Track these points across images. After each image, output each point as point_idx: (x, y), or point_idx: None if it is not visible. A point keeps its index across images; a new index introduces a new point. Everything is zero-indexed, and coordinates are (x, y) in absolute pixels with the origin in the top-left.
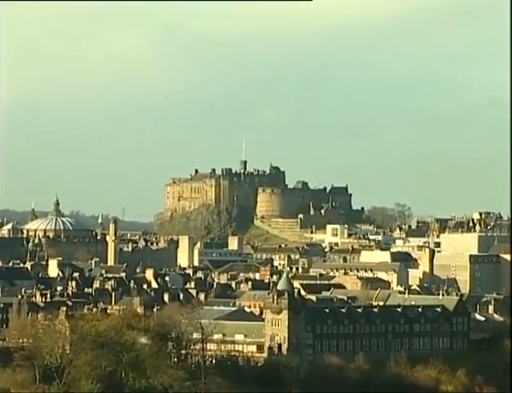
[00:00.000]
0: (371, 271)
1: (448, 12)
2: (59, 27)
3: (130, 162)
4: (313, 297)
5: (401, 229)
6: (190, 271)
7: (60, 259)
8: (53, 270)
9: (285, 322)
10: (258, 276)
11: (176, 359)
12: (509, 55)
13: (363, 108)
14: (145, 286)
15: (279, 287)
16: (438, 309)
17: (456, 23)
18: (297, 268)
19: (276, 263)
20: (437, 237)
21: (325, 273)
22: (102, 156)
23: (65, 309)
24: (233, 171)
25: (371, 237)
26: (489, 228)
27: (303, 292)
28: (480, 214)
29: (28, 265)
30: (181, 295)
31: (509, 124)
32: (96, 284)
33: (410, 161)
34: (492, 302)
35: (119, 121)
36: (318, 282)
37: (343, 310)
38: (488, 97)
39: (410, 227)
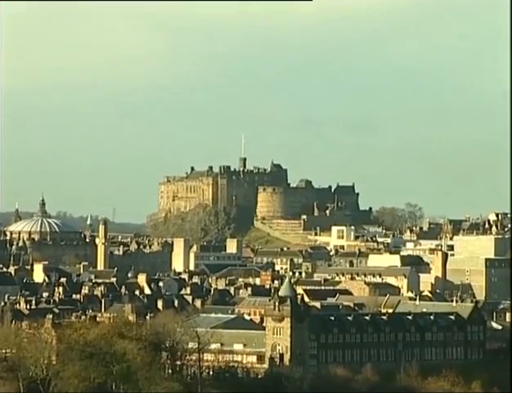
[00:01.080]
0: (380, 276)
1: (458, 3)
2: (49, 22)
3: (121, 159)
4: (317, 304)
5: (411, 231)
6: (185, 276)
7: (46, 263)
8: (38, 275)
9: (288, 331)
10: (258, 281)
11: (170, 371)
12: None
13: (371, 103)
14: (137, 293)
15: (281, 293)
16: (452, 317)
17: (466, 14)
18: (300, 273)
19: (277, 267)
20: (451, 239)
21: (330, 278)
22: (91, 153)
23: (51, 316)
24: (232, 169)
25: (380, 240)
26: (506, 229)
27: (306, 299)
28: (497, 215)
29: (11, 270)
30: (176, 302)
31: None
32: (85, 290)
33: (422, 158)
34: (510, 309)
35: (109, 116)
36: (323, 287)
37: (350, 318)
38: (504, 91)
39: (421, 228)
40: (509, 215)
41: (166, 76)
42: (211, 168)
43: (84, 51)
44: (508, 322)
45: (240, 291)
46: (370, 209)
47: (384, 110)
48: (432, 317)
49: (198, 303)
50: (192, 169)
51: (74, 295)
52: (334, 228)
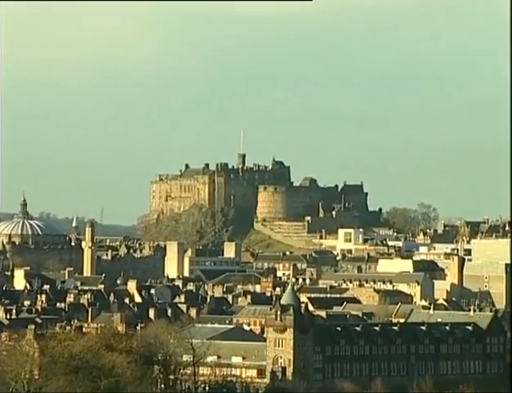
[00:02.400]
0: (390, 283)
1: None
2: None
3: (110, 156)
4: (323, 313)
5: (425, 234)
6: (179, 283)
7: (28, 268)
8: (19, 282)
9: (290, 343)
10: (258, 288)
11: (163, 386)
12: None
13: (381, 96)
14: (126, 301)
15: (283, 302)
16: (469, 328)
17: (468, 9)
18: (304, 280)
19: (279, 273)
20: (468, 242)
21: (336, 285)
22: (77, 149)
23: (33, 327)
24: (229, 166)
25: (390, 244)
26: None
27: (310, 307)
28: None
29: None
30: (169, 311)
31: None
32: (70, 298)
33: (436, 155)
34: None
35: (97, 108)
36: (328, 295)
37: (358, 329)
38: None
39: (435, 231)
40: None
41: (159, 67)
42: (207, 165)
43: (75, 47)
44: None
45: (239, 299)
46: (380, 210)
47: (394, 104)
48: (447, 327)
49: (193, 312)
50: (187, 166)
51: (58, 304)
52: (341, 231)
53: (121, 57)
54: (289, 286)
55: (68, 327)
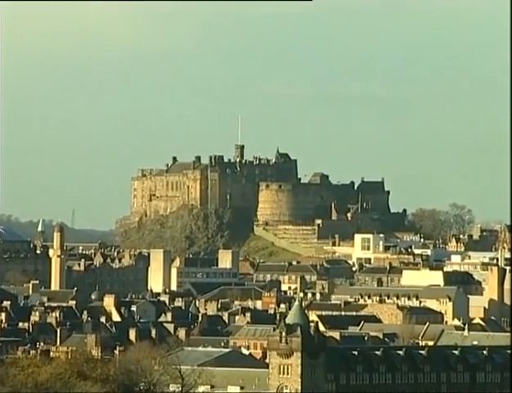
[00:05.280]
0: (417, 298)
1: None
2: None
3: (83, 147)
4: (336, 334)
5: (458, 240)
6: (165, 298)
7: None
8: None
9: (297, 369)
10: (259, 305)
11: None
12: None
13: (404, 77)
14: (103, 320)
15: (288, 321)
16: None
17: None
18: (313, 295)
19: (284, 286)
20: (509, 250)
21: (352, 300)
22: (44, 140)
23: None
24: (225, 159)
25: (417, 252)
26: None
27: (321, 328)
28: None
29: None
30: (154, 332)
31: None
32: (35, 317)
33: (470, 148)
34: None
35: (69, 91)
36: (343, 313)
37: (378, 353)
38: None
39: (470, 237)
40: None
41: (143, 46)
42: (198, 158)
43: (64, 33)
44: None
45: (236, 317)
46: (405, 211)
47: (422, 86)
48: (485, 352)
49: (182, 333)
50: (174, 159)
51: (20, 324)
52: (358, 237)
53: (105, 42)
54: (296, 303)
55: (32, 352)
